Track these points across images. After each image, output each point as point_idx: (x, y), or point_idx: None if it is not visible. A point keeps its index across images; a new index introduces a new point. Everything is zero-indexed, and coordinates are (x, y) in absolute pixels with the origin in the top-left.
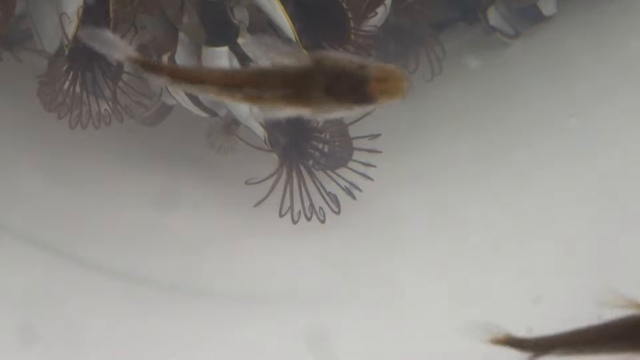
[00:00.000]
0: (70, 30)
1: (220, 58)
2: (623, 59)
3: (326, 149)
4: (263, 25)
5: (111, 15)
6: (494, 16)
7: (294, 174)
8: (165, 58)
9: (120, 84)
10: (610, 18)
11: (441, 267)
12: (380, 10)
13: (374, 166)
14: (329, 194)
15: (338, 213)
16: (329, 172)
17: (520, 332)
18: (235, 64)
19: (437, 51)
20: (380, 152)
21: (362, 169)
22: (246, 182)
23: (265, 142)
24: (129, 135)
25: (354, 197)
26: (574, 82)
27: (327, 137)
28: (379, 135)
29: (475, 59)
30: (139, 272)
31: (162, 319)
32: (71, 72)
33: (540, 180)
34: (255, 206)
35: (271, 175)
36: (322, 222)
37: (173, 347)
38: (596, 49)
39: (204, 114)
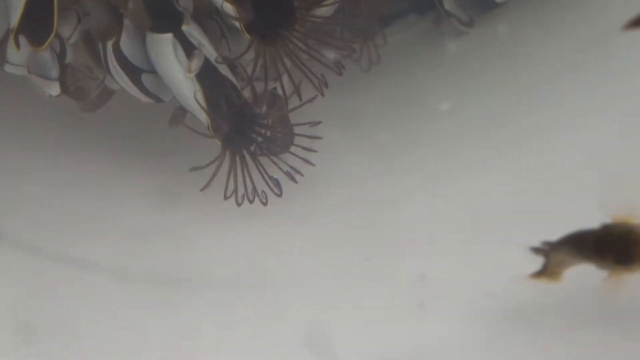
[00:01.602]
0: (15, 18)
1: (165, 45)
2: (574, 45)
3: (268, 135)
4: (208, 12)
5: (56, 2)
6: (449, 2)
7: (237, 159)
8: (109, 44)
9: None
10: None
11: (381, 258)
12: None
13: (315, 151)
14: (271, 178)
15: (280, 196)
16: (271, 157)
17: None
18: (180, 51)
19: (378, 40)
20: (321, 138)
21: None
22: (190, 170)
23: (208, 128)
24: (71, 123)
25: (295, 182)
26: (527, 70)
27: (270, 123)
28: (319, 122)
29: (427, 49)
30: (89, 260)
31: (109, 306)
32: None
33: (487, 175)
34: (201, 191)
35: (214, 161)
36: (265, 204)
37: (119, 334)
38: (548, 35)
39: (148, 100)
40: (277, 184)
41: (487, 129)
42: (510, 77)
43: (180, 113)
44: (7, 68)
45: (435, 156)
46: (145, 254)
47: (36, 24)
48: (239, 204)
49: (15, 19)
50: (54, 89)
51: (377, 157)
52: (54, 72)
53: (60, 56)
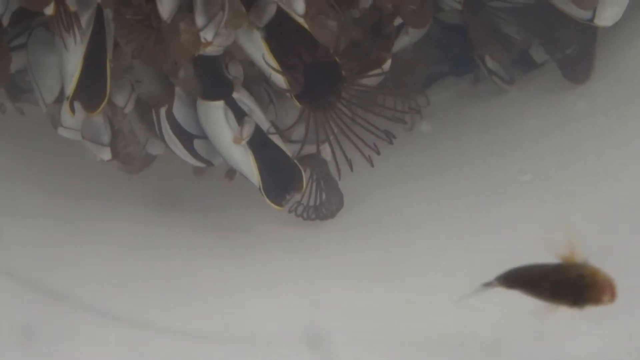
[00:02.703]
0: (70, 86)
1: (216, 112)
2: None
3: (317, 201)
4: (258, 79)
5: (108, 70)
6: (491, 61)
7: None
8: (162, 112)
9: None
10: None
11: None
12: (377, 71)
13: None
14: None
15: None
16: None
17: None
18: (231, 118)
19: (420, 101)
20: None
21: None
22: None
23: (260, 190)
24: (119, 181)
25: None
26: (560, 131)
27: (318, 188)
28: None
29: (469, 109)
30: (124, 312)
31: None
32: None
33: (518, 238)
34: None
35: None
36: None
37: None
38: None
39: (200, 164)
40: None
41: (523, 189)
42: (546, 137)
43: (231, 173)
44: (61, 131)
45: (469, 211)
46: (186, 308)
47: (90, 91)
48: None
49: (70, 85)
50: (106, 154)
51: (416, 211)
52: (106, 137)
53: (112, 122)
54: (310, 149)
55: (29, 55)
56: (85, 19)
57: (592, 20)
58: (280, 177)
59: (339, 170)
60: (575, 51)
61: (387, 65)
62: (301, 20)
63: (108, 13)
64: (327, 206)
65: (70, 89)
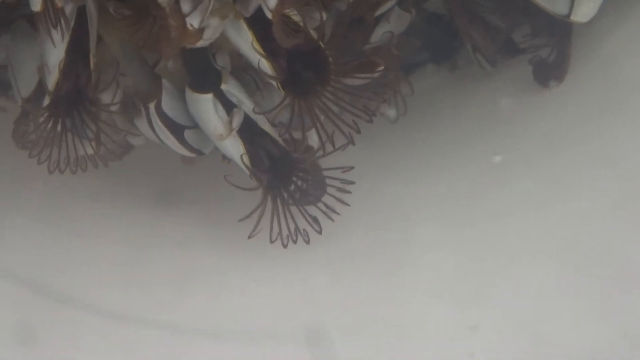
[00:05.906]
0: (52, 80)
1: (205, 104)
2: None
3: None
4: (245, 68)
5: (92, 66)
6: (477, 36)
7: (278, 205)
8: (152, 107)
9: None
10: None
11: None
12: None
13: (349, 192)
14: (311, 216)
15: (320, 232)
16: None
17: None
18: (220, 109)
19: (405, 91)
20: (353, 182)
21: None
22: (239, 221)
23: (250, 177)
24: (107, 173)
25: (332, 220)
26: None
27: (304, 175)
28: (352, 168)
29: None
30: (124, 309)
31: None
32: (52, 119)
33: (512, 224)
34: (249, 238)
35: (255, 210)
36: (307, 242)
37: None
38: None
39: (192, 155)
40: (316, 221)
41: (509, 177)
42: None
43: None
44: None
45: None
46: (182, 303)
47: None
48: (284, 246)
49: (53, 79)
50: (89, 149)
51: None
52: (90, 132)
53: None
54: (295, 134)
55: (9, 49)
56: (67, 12)
57: (568, 15)
58: (270, 164)
59: (324, 153)
60: (551, 56)
61: (378, 70)
62: (269, 15)
63: (91, 6)
64: (311, 193)
65: (52, 82)
